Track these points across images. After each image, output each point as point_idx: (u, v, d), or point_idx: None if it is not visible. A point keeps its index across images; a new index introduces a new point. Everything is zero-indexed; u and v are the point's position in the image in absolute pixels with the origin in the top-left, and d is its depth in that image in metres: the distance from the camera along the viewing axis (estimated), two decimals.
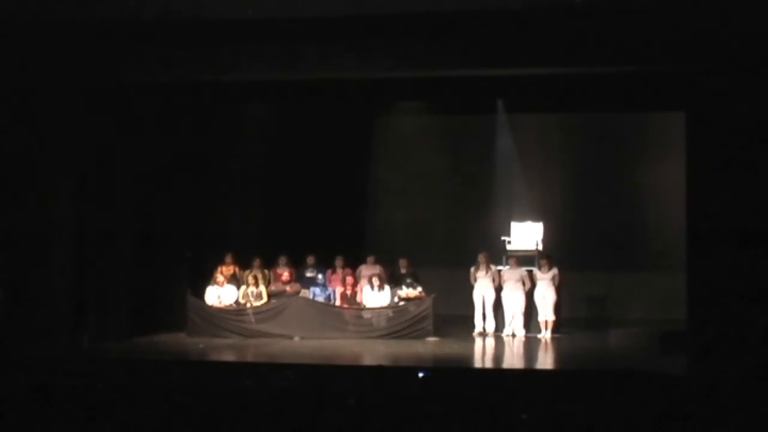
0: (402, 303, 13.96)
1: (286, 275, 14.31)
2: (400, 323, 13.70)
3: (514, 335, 13.85)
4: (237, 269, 14.43)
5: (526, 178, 16.28)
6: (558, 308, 13.88)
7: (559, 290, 13.80)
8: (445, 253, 16.14)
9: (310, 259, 14.58)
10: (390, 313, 13.82)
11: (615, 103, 14.73)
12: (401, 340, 13.43)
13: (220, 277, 14.12)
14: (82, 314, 13.01)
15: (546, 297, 13.74)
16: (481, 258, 14.10)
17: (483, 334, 13.97)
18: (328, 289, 14.31)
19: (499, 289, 13.98)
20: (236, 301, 14.03)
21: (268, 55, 12.39)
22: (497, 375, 11.68)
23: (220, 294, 14.03)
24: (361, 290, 14.02)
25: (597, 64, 12.21)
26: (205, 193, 14.98)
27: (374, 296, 13.91)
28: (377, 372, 11.28)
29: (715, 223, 11.47)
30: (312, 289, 14.26)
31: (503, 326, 13.95)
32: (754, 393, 8.92)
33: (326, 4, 11.43)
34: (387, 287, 14.00)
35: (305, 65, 12.44)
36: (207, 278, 14.17)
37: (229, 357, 12.76)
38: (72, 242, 12.94)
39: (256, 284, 14.05)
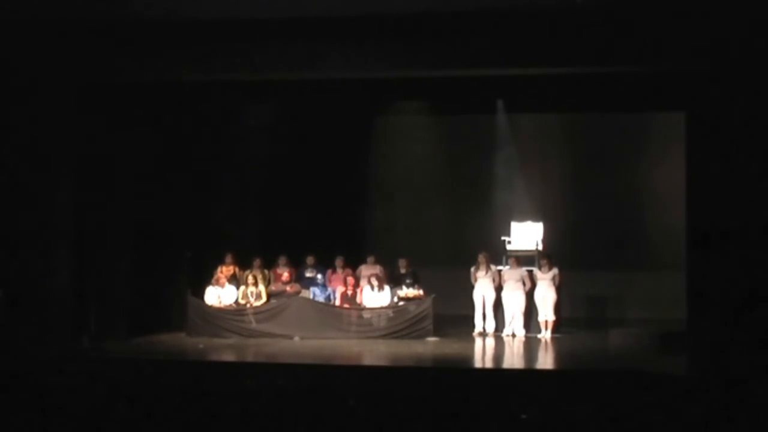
0: (402, 303, 13.96)
1: (286, 275, 14.31)
2: (400, 323, 13.70)
3: (514, 335, 13.85)
4: (237, 269, 14.43)
5: (526, 178, 16.27)
6: (558, 308, 13.88)
7: (559, 290, 13.80)
8: (445, 253, 16.16)
9: (310, 259, 14.57)
10: (390, 313, 13.81)
11: (615, 103, 14.73)
12: (401, 340, 13.42)
13: (220, 278, 14.13)
14: (82, 314, 13.00)
15: (546, 297, 13.74)
16: (481, 258, 14.09)
17: (483, 334, 13.96)
18: (328, 289, 14.30)
19: (499, 289, 13.98)
20: (236, 301, 14.03)
21: (267, 55, 12.39)
22: (497, 375, 11.67)
23: (220, 294, 14.03)
24: (361, 290, 14.02)
25: (597, 64, 12.20)
26: (205, 193, 14.98)
27: (374, 296, 13.91)
28: (377, 372, 11.29)
29: (714, 223, 11.46)
30: (312, 289, 14.26)
31: (503, 326, 13.95)
32: (754, 392, 8.92)
33: (326, 4, 11.43)
34: (387, 287, 14.00)
35: (305, 65, 12.44)
36: (207, 278, 14.17)
37: (229, 357, 12.74)
38: (72, 242, 12.94)
39: (256, 284, 14.05)
